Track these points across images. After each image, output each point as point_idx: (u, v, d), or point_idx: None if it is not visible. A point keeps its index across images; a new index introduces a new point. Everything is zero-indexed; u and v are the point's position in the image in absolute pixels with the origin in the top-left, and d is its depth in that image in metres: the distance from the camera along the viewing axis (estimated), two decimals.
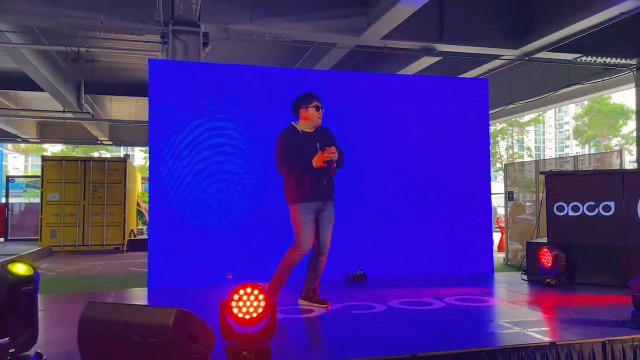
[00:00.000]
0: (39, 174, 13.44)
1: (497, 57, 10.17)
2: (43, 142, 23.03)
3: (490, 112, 7.47)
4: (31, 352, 2.87)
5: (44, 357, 2.90)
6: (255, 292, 3.03)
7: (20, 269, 2.81)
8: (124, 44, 10.36)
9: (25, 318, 2.85)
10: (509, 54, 9.87)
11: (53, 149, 40.06)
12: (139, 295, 5.86)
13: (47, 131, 20.64)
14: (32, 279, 2.84)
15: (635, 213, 5.48)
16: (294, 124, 4.92)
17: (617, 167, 9.12)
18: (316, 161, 4.69)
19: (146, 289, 5.92)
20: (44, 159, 13.65)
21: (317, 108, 4.88)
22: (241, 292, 3.03)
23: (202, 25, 8.05)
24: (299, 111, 4.91)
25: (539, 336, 3.56)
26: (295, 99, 4.99)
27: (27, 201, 18.26)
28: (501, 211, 13.17)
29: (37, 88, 12.95)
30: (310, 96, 4.92)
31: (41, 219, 12.82)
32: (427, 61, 10.52)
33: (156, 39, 9.03)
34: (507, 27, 9.37)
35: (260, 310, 3.00)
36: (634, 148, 12.15)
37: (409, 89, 6.88)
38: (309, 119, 4.87)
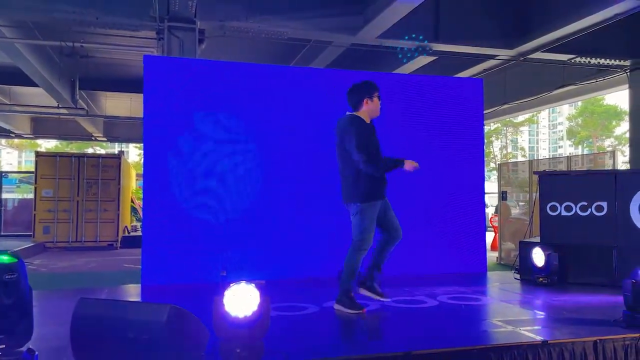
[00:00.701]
0: (33, 169, 13.41)
1: (492, 57, 10.20)
2: (37, 137, 22.94)
3: (484, 112, 7.49)
4: (23, 348, 2.86)
5: (36, 353, 2.89)
6: (249, 289, 3.04)
7: (2, 257, 2.76)
8: (119, 39, 10.32)
9: (17, 310, 2.82)
10: (503, 54, 9.91)
11: (47, 144, 39.85)
12: (133, 292, 5.86)
13: (41, 127, 20.55)
14: (14, 266, 2.79)
15: (627, 213, 5.52)
16: (358, 115, 4.51)
17: (610, 168, 9.18)
18: (408, 165, 4.45)
19: (140, 285, 5.91)
20: (38, 154, 13.61)
21: (379, 98, 4.55)
22: (235, 289, 3.03)
23: (198, 22, 8.04)
24: (363, 102, 4.50)
25: (531, 335, 3.58)
26: (353, 87, 4.57)
27: (20, 197, 18.19)
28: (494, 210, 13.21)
29: (31, 83, 12.89)
30: (374, 86, 4.56)
31: (34, 214, 12.78)
32: (423, 60, 10.54)
33: (152, 35, 9.00)
34: (502, 27, 9.41)
35: (253, 307, 3.01)
36: (627, 149, 12.22)
37: (404, 88, 6.88)
38: (374, 110, 4.54)
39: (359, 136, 4.32)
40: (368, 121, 4.54)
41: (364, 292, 4.48)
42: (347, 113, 4.59)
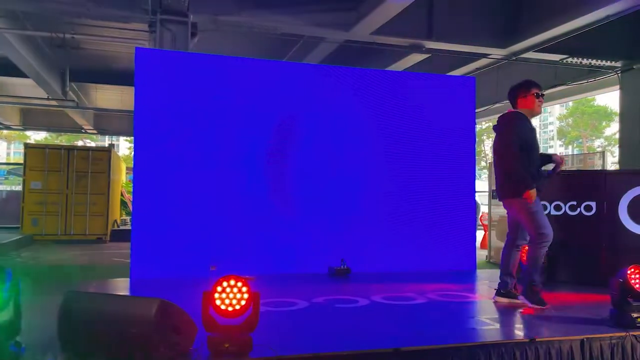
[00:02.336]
0: (22, 161, 13.26)
1: (484, 56, 10.23)
2: (26, 129, 22.73)
3: (476, 110, 7.51)
4: (8, 344, 2.83)
5: (23, 346, 2.87)
6: (239, 284, 3.03)
7: None
8: (110, 31, 10.23)
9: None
10: (496, 53, 9.94)
11: (36, 136, 39.52)
12: (121, 286, 5.82)
13: (30, 118, 20.35)
14: None
15: (615, 214, 5.56)
16: (521, 112, 4.59)
17: (600, 168, 9.25)
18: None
19: (128, 279, 5.88)
20: (27, 146, 13.47)
21: (537, 95, 4.57)
22: (224, 284, 3.02)
23: (190, 15, 7.98)
24: (517, 99, 4.62)
25: (519, 333, 3.61)
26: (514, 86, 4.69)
27: (8, 189, 18.03)
28: (485, 209, 13.27)
29: (21, 74, 12.75)
30: (530, 83, 4.62)
31: (23, 207, 12.65)
32: (416, 58, 10.56)
33: (144, 28, 8.94)
34: (495, 26, 9.44)
35: (243, 302, 3.00)
36: (616, 150, 12.33)
37: (397, 85, 6.90)
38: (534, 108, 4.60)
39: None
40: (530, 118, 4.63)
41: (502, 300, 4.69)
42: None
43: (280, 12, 8.42)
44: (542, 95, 4.64)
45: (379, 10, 7.93)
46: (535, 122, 4.92)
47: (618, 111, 11.00)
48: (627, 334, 3.55)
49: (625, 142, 10.41)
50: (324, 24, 8.76)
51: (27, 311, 3.91)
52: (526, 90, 4.59)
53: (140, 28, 9.32)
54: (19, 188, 14.93)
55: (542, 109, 4.83)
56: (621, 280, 3.74)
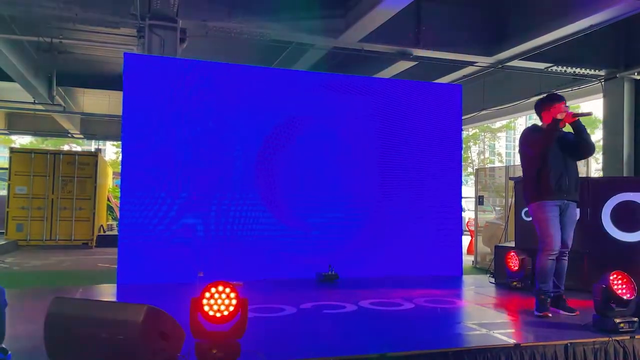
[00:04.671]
0: (7, 166, 13.13)
1: (471, 63, 10.34)
2: (11, 133, 22.46)
3: (463, 117, 7.59)
4: None
5: (9, 353, 2.85)
6: (227, 290, 3.03)
7: None
8: (99, 36, 10.19)
9: None
10: (482, 61, 10.05)
11: (22, 140, 39.03)
12: (108, 292, 5.79)
13: (15, 122, 20.13)
14: None
15: (599, 220, 5.64)
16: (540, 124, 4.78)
17: (583, 175, 9.38)
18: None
19: (115, 285, 5.85)
20: (12, 150, 13.36)
21: (566, 106, 4.62)
22: (212, 290, 3.02)
23: (179, 21, 7.98)
24: (541, 114, 4.75)
25: (504, 338, 3.65)
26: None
27: None
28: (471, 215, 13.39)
29: (7, 78, 12.62)
30: (553, 97, 4.71)
31: (7, 212, 12.53)
32: (403, 65, 10.64)
33: (132, 33, 8.91)
34: (481, 35, 9.55)
35: (231, 308, 3.00)
36: (600, 157, 12.49)
37: (384, 92, 6.96)
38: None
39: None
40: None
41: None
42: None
43: (269, 18, 8.44)
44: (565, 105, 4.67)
45: (368, 18, 7.99)
46: (521, 128, 5.04)
47: (602, 119, 11.16)
48: (610, 339, 3.61)
49: (609, 149, 10.56)
50: (313, 31, 8.80)
51: (13, 318, 3.89)
52: (549, 104, 4.67)
53: (128, 33, 9.29)
54: (3, 193, 14.76)
55: (537, 116, 4.90)
56: (604, 286, 3.79)
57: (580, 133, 4.56)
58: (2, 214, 12.85)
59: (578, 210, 4.83)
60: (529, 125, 4.89)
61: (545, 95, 4.89)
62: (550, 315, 4.42)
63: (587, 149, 4.66)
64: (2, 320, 2.85)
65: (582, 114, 4.66)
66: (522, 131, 4.89)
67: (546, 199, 4.52)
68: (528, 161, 4.70)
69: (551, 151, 4.57)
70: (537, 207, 4.56)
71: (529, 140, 4.67)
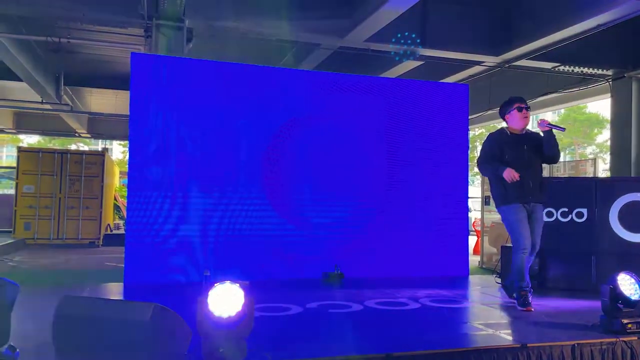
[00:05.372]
0: (14, 165, 13.21)
1: (477, 63, 10.32)
2: (19, 132, 22.60)
3: (469, 117, 7.58)
4: (2, 349, 2.82)
5: (17, 350, 2.87)
6: (233, 289, 3.04)
7: None
8: (106, 36, 10.24)
9: None
10: (489, 60, 10.03)
11: (29, 140, 39.27)
12: (115, 291, 5.81)
13: (23, 122, 20.25)
14: None
15: (607, 220, 5.61)
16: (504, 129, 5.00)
17: (591, 175, 9.33)
18: (507, 174, 4.68)
19: (122, 284, 5.88)
20: (20, 150, 13.43)
21: (519, 109, 4.86)
22: (219, 289, 3.03)
23: (186, 21, 8.01)
24: (504, 118, 5.00)
25: (510, 338, 3.64)
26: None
27: (1, 192, 17.93)
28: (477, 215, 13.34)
29: (15, 78, 12.71)
30: (511, 100, 4.93)
31: (15, 210, 12.61)
32: (409, 65, 10.62)
33: (139, 33, 8.96)
34: (488, 34, 9.53)
35: (237, 307, 3.01)
36: (608, 157, 12.43)
37: (391, 92, 6.95)
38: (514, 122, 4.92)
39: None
40: (512, 132, 4.95)
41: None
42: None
43: (276, 18, 8.46)
44: (526, 108, 4.90)
45: (374, 18, 7.98)
46: (528, 129, 5.06)
47: (610, 119, 11.10)
48: (618, 339, 3.59)
49: (617, 150, 10.51)
50: (319, 31, 8.81)
51: (21, 316, 3.91)
52: (508, 107, 4.94)
53: (135, 33, 9.33)
54: (11, 192, 14.85)
55: (529, 118, 4.98)
56: (612, 287, 3.77)
57: (548, 141, 4.78)
58: (10, 212, 12.93)
59: (546, 210, 5.12)
60: (496, 130, 5.13)
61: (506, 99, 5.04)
62: (532, 309, 4.60)
63: (551, 160, 4.92)
64: (7, 318, 2.86)
65: (557, 127, 4.83)
66: (487, 135, 5.11)
67: (513, 202, 4.73)
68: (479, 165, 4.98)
69: (514, 154, 4.76)
70: (506, 210, 4.79)
71: (492, 144, 4.88)
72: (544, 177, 4.96)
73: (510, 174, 4.64)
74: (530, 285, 4.82)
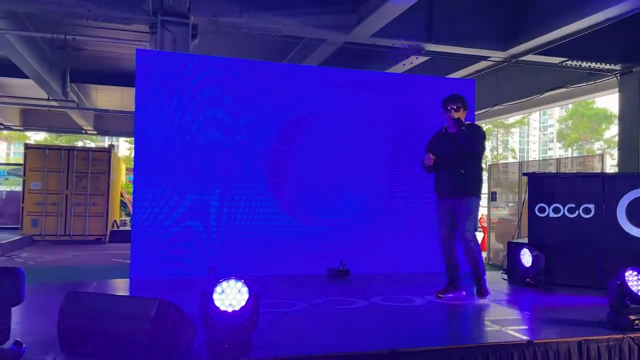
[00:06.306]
0: (22, 162, 13.29)
1: (484, 58, 10.26)
2: (26, 129, 22.75)
3: (476, 112, 7.54)
4: (8, 345, 2.83)
5: (24, 346, 2.88)
6: (238, 285, 3.04)
7: None
8: (111, 33, 10.26)
9: None
10: (495, 55, 9.97)
11: (36, 137, 39.52)
12: (121, 287, 5.84)
13: (30, 119, 20.38)
14: None
15: (614, 216, 5.57)
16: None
17: (599, 171, 9.27)
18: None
19: (128, 280, 5.90)
20: (27, 147, 13.51)
21: (448, 110, 5.08)
22: (224, 285, 3.04)
23: (191, 17, 8.02)
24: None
25: (517, 334, 3.62)
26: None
27: (8, 189, 18.05)
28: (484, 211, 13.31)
29: (22, 75, 12.78)
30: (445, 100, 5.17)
31: (23, 207, 12.69)
32: (415, 60, 10.58)
33: (144, 29, 8.96)
34: (495, 29, 9.47)
35: (242, 303, 3.02)
36: (615, 152, 12.35)
37: (397, 88, 6.91)
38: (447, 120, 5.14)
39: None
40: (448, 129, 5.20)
41: None
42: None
43: (281, 14, 8.44)
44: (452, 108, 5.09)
45: (379, 13, 7.95)
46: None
47: (617, 114, 11.01)
48: (625, 336, 3.57)
49: (625, 145, 10.43)
50: (324, 26, 8.79)
51: (28, 312, 3.94)
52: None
53: (141, 29, 9.34)
54: (18, 189, 14.94)
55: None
56: (619, 283, 3.75)
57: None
58: (18, 209, 13.02)
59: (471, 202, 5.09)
60: None
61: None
62: (445, 299, 4.94)
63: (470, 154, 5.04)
64: (8, 316, 2.86)
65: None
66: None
67: (437, 197, 5.23)
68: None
69: (439, 152, 5.00)
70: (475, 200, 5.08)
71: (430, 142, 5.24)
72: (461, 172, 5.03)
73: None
74: (460, 279, 5.12)
